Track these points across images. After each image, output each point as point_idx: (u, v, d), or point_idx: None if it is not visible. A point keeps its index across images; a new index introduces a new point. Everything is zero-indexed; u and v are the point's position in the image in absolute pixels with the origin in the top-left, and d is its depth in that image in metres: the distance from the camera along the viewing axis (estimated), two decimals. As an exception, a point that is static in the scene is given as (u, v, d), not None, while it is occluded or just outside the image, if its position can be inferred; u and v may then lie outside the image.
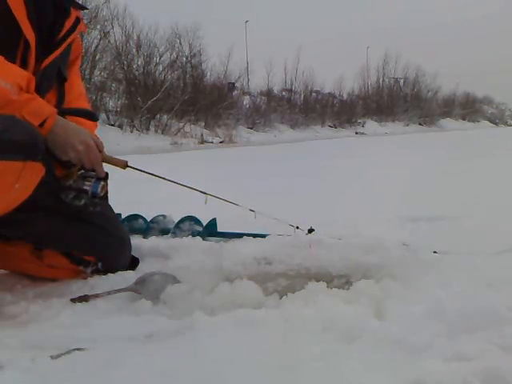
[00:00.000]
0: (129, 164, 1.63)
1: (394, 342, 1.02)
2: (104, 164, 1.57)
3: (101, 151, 1.54)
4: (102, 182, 1.53)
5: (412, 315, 1.14)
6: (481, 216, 2.60)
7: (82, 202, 1.50)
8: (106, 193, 1.59)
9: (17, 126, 1.30)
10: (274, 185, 4.67)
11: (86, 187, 1.50)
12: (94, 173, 1.52)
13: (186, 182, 1.91)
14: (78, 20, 1.65)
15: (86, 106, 1.81)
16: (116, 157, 1.65)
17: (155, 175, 1.79)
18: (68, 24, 1.61)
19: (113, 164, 1.62)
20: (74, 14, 1.64)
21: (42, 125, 1.38)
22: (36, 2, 1.50)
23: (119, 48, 19.79)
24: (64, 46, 1.60)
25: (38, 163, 1.34)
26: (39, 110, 1.39)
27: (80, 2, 1.72)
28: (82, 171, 1.51)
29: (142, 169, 1.72)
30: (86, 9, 2.00)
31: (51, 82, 1.61)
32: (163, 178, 1.81)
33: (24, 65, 1.47)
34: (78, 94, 1.77)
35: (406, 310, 1.17)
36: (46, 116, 1.40)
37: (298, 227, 2.11)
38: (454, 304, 1.13)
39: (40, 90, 1.49)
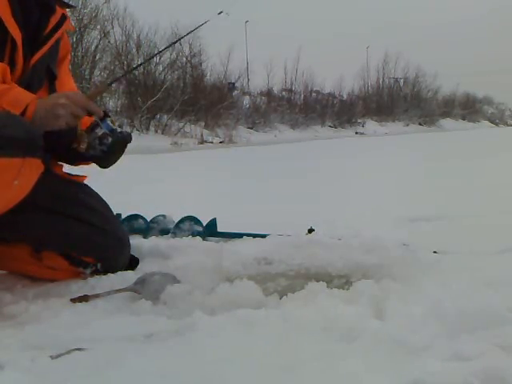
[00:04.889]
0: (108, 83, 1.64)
1: (394, 342, 1.02)
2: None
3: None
4: (108, 119, 1.53)
5: (412, 315, 1.13)
6: (481, 216, 2.60)
7: (109, 140, 1.51)
8: (118, 126, 1.59)
9: (14, 122, 1.30)
10: (274, 186, 4.66)
11: (100, 132, 1.51)
12: (94, 120, 1.52)
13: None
14: (64, 17, 1.64)
15: None
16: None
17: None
18: (54, 21, 1.60)
19: (99, 93, 1.64)
20: (59, 11, 1.63)
21: (24, 113, 1.36)
22: (20, 0, 1.49)
23: (119, 48, 19.79)
24: (51, 42, 1.59)
25: (37, 159, 1.34)
26: (18, 98, 1.38)
27: (69, 1, 1.70)
28: (87, 128, 1.52)
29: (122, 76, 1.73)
30: (72, 7, 1.98)
31: (41, 79, 1.60)
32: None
33: (12, 63, 1.46)
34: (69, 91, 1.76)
35: (406, 310, 1.17)
36: (26, 104, 1.37)
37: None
38: (453, 304, 1.13)
39: (31, 88, 1.49)
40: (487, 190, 3.67)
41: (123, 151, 1.63)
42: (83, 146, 1.51)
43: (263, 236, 1.73)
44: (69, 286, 1.57)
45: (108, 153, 1.53)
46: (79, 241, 1.63)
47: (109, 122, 1.52)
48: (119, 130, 1.55)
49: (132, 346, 1.10)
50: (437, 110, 41.77)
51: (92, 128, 1.51)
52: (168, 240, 2.02)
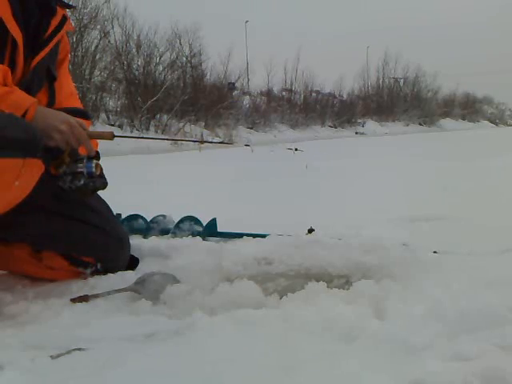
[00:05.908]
0: (115, 134, 1.61)
1: (394, 342, 1.02)
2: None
3: (84, 129, 1.51)
4: (95, 161, 1.53)
5: (412, 315, 1.14)
6: (481, 216, 2.60)
7: (82, 181, 1.50)
8: (102, 171, 1.58)
9: (15, 123, 1.30)
10: (274, 185, 4.66)
11: (80, 169, 1.50)
12: (84, 155, 1.52)
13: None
14: (64, 18, 1.64)
15: (78, 105, 1.79)
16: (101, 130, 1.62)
17: (144, 137, 1.78)
18: (54, 22, 1.60)
19: (100, 138, 1.61)
20: (60, 12, 1.63)
21: (23, 116, 1.37)
22: (21, 1, 1.49)
23: (119, 48, 19.78)
24: (52, 44, 1.59)
25: (38, 160, 1.34)
26: (19, 102, 1.38)
27: (68, 1, 1.70)
28: (73, 157, 1.51)
29: (129, 136, 1.69)
30: (73, 7, 1.98)
31: (41, 81, 1.60)
32: (152, 138, 1.80)
33: (12, 65, 1.47)
34: (68, 93, 1.76)
35: (406, 310, 1.17)
36: (26, 107, 1.38)
37: (296, 149, 2.07)
38: (453, 304, 1.13)
39: (31, 90, 1.49)
40: (487, 190, 3.66)
41: (89, 197, 1.61)
42: (56, 172, 1.51)
43: (263, 236, 1.73)
44: (69, 286, 1.57)
45: (73, 192, 1.52)
46: (79, 241, 1.63)
47: (93, 164, 1.51)
48: (98, 173, 1.53)
49: (132, 346, 1.10)
50: (437, 110, 41.72)
51: (75, 161, 1.51)
52: (168, 240, 2.02)
